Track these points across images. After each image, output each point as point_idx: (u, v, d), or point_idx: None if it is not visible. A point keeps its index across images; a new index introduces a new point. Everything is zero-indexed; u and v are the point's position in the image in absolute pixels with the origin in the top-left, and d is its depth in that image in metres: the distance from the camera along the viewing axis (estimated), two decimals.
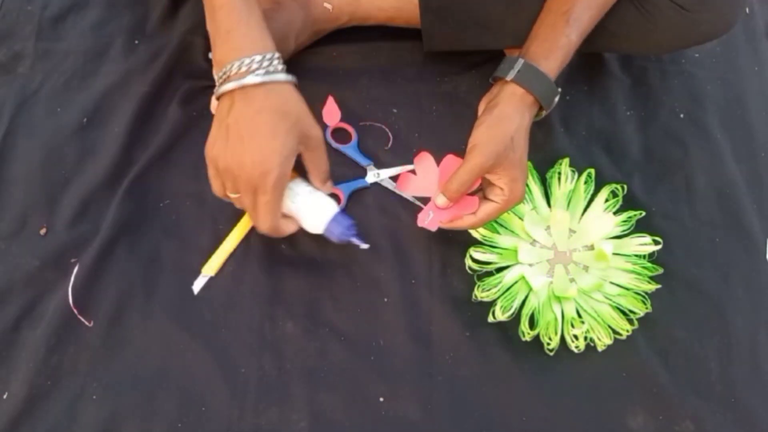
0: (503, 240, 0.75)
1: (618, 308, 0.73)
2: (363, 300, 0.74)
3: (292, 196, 0.69)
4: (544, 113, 0.69)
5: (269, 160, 0.59)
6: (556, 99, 0.69)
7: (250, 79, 0.59)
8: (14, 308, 0.72)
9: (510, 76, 0.65)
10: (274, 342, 0.72)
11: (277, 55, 0.61)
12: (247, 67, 0.59)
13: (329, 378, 0.70)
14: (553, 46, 0.66)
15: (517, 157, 0.64)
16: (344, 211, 0.75)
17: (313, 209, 0.69)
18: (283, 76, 0.61)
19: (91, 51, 0.90)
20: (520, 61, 0.65)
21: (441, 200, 0.67)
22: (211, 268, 0.75)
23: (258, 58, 0.60)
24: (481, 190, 0.69)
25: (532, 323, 0.72)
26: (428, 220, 0.69)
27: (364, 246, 0.70)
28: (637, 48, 0.78)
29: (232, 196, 0.64)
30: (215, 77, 0.63)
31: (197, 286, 0.74)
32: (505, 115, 0.64)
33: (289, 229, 0.68)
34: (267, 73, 0.60)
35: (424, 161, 0.73)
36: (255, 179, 0.60)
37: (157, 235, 0.77)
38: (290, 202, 0.70)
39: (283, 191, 0.62)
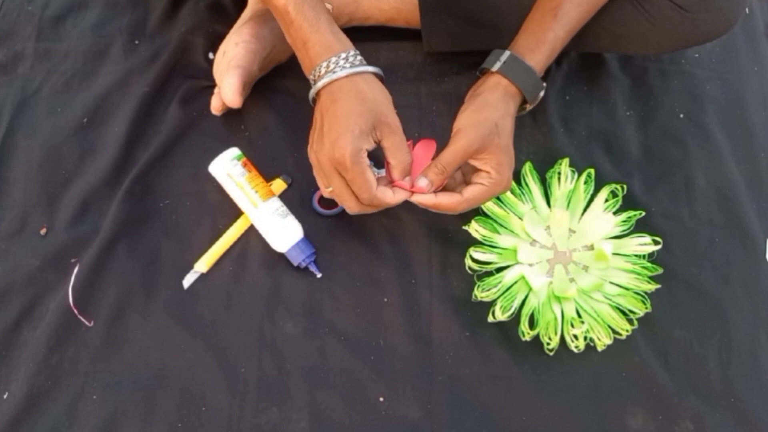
0: (503, 240, 0.75)
1: (618, 308, 0.73)
2: (363, 300, 0.74)
3: (264, 215, 0.75)
4: (528, 107, 0.70)
5: (342, 137, 0.61)
6: (541, 94, 0.69)
7: (329, 77, 0.63)
8: (14, 308, 0.73)
9: (495, 68, 0.66)
10: (274, 342, 0.72)
11: (353, 52, 0.65)
12: (326, 68, 0.63)
13: (329, 378, 0.70)
14: (539, 41, 0.67)
15: (503, 143, 0.64)
16: (307, 239, 0.76)
17: (279, 231, 0.75)
18: (360, 68, 0.64)
19: (91, 51, 0.90)
20: (506, 53, 0.67)
21: (422, 182, 0.65)
22: (203, 264, 0.75)
23: (334, 58, 0.63)
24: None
25: (532, 323, 0.72)
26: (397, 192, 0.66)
27: (319, 275, 0.75)
28: (636, 48, 0.78)
29: (328, 191, 0.66)
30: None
31: (187, 281, 0.74)
32: (489, 102, 0.65)
33: (392, 198, 0.65)
34: (343, 68, 0.63)
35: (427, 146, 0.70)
36: (335, 160, 0.62)
37: (157, 235, 0.77)
38: (259, 219, 0.75)
39: (364, 164, 0.62)
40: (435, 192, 0.66)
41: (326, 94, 0.64)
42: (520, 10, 0.73)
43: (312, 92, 0.66)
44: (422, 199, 0.66)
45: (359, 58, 0.65)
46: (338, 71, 0.63)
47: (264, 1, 0.67)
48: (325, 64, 0.63)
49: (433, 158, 0.67)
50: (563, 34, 0.67)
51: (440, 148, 0.71)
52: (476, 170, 0.66)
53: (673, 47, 0.78)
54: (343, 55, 0.64)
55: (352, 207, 0.65)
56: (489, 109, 0.65)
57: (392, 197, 0.65)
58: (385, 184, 0.65)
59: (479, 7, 0.78)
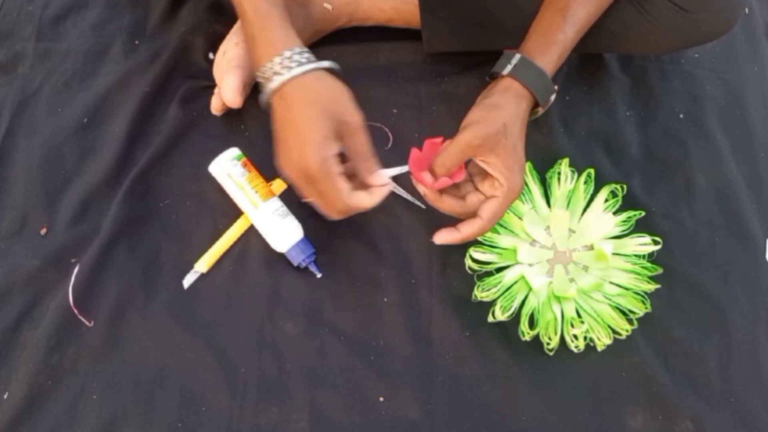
0: (503, 240, 0.75)
1: (618, 308, 0.73)
2: (363, 300, 0.74)
3: (264, 215, 0.75)
4: (540, 111, 0.69)
5: (307, 147, 0.58)
6: (552, 97, 0.69)
7: (276, 81, 0.59)
8: (14, 308, 0.73)
9: (506, 71, 0.65)
10: (274, 342, 0.72)
11: (297, 50, 0.60)
12: (271, 70, 0.59)
13: (329, 378, 0.70)
14: (549, 42, 0.66)
15: (511, 144, 0.62)
16: (307, 239, 0.76)
17: (279, 231, 0.75)
18: (309, 66, 0.59)
19: (91, 51, 0.90)
20: (517, 56, 0.66)
21: (426, 175, 0.63)
22: (203, 264, 0.75)
23: (278, 59, 0.59)
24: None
25: (532, 323, 0.72)
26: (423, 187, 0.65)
27: (319, 275, 0.75)
28: (636, 48, 0.78)
29: (306, 201, 0.63)
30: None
31: (187, 281, 0.74)
32: (499, 103, 0.64)
33: (370, 200, 0.62)
34: (288, 69, 0.59)
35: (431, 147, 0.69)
36: (304, 172, 0.59)
37: (157, 235, 0.77)
38: (259, 219, 0.75)
39: (333, 173, 0.59)
40: (445, 206, 0.65)
41: (278, 101, 0.60)
42: (520, 10, 0.73)
43: (263, 99, 0.61)
44: (447, 238, 0.65)
45: (306, 55, 0.60)
46: (284, 73, 0.58)
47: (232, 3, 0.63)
48: (269, 66, 0.59)
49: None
50: (572, 35, 0.67)
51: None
52: (486, 176, 0.65)
53: (673, 47, 0.78)
54: (287, 54, 0.59)
55: (332, 214, 0.63)
56: (498, 109, 0.63)
57: (369, 199, 0.62)
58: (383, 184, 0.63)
59: (479, 7, 0.78)
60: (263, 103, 0.62)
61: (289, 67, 0.59)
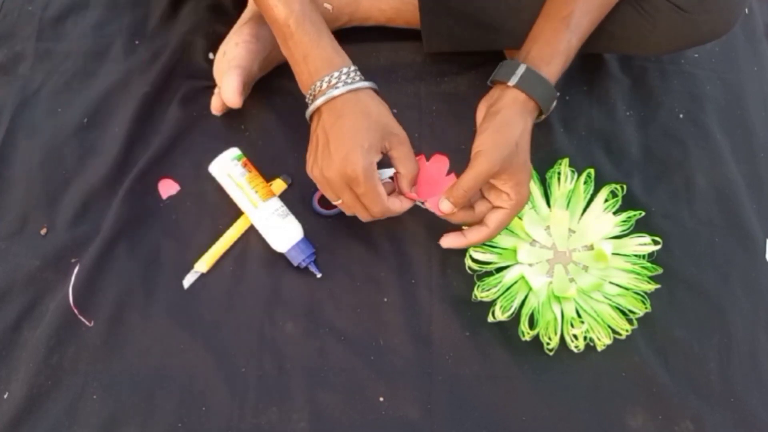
0: (503, 240, 0.75)
1: (617, 308, 0.73)
2: (363, 300, 0.75)
3: (264, 215, 0.75)
4: (543, 117, 0.69)
5: (353, 152, 0.62)
6: (554, 103, 0.69)
7: (331, 93, 0.64)
8: (14, 308, 0.73)
9: (512, 82, 0.65)
10: (274, 342, 0.72)
11: (353, 68, 0.66)
12: (328, 83, 0.64)
13: (329, 378, 0.71)
14: (554, 51, 0.66)
15: (521, 160, 0.64)
16: (307, 239, 0.76)
17: (279, 231, 0.75)
18: (361, 84, 0.65)
19: (91, 51, 0.90)
20: (522, 66, 0.65)
21: (445, 205, 0.66)
22: (203, 264, 0.75)
23: (336, 74, 0.64)
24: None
25: (532, 323, 0.72)
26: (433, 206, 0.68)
27: (319, 275, 0.75)
28: (636, 49, 0.78)
29: (337, 203, 0.68)
30: (307, 101, 0.67)
31: (188, 281, 0.74)
32: (509, 121, 0.64)
33: (401, 206, 0.67)
34: (345, 84, 0.64)
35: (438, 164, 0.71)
36: (346, 176, 0.63)
37: (157, 235, 0.77)
38: (259, 219, 0.75)
39: (376, 179, 0.64)
40: (457, 218, 0.67)
41: (328, 111, 0.64)
42: (519, 11, 0.73)
43: (311, 108, 0.66)
44: (454, 243, 0.69)
45: (358, 73, 0.66)
46: (340, 86, 0.64)
47: (262, 12, 0.67)
48: (327, 79, 0.64)
49: (447, 174, 0.69)
50: (576, 42, 0.67)
51: (441, 151, 0.72)
52: (493, 186, 0.67)
53: (673, 48, 0.78)
54: (345, 70, 0.65)
55: (364, 217, 0.68)
56: (509, 128, 0.64)
57: (400, 206, 0.67)
58: (389, 191, 0.67)
59: (479, 7, 0.77)
60: (308, 114, 0.67)
61: (345, 82, 0.64)
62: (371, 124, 0.63)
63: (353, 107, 0.64)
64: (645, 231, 0.77)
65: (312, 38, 0.65)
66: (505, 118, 0.64)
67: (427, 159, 0.70)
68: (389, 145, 0.65)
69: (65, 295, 0.72)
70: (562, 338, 0.72)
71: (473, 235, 0.68)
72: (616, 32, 0.74)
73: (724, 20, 0.73)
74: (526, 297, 0.73)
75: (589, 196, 0.79)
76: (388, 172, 0.81)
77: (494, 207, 0.67)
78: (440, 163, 0.70)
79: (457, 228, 0.70)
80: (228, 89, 0.77)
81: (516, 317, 0.72)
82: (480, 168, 0.63)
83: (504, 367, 0.72)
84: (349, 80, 0.64)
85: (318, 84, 0.64)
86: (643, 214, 0.78)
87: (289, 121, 0.85)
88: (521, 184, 0.65)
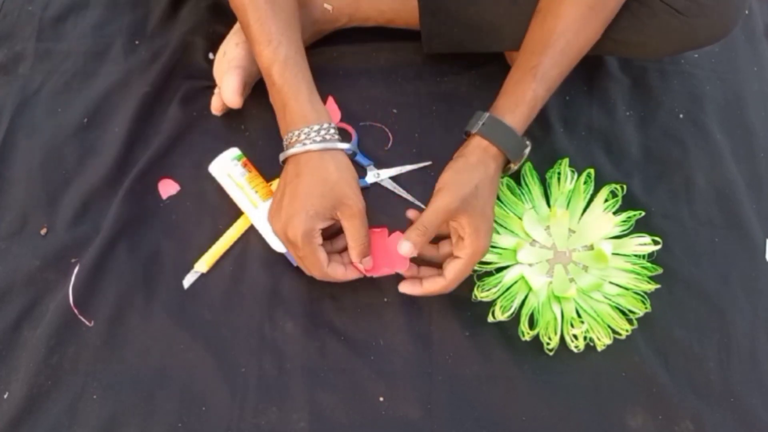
0: (503, 240, 0.75)
1: (617, 308, 0.73)
2: (363, 300, 0.74)
3: (264, 215, 0.73)
4: (513, 167, 0.70)
5: (296, 216, 0.63)
6: (526, 152, 0.70)
7: (297, 148, 0.65)
8: (14, 308, 0.73)
9: (475, 129, 0.66)
10: (274, 342, 0.72)
11: (326, 125, 0.66)
12: (296, 138, 0.65)
13: (329, 378, 0.71)
14: (519, 101, 0.67)
15: (480, 205, 0.64)
16: None
17: None
18: (330, 145, 0.65)
19: (91, 51, 0.90)
20: (485, 115, 0.67)
21: (405, 246, 0.64)
22: (203, 264, 0.75)
23: (306, 130, 0.65)
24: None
25: (532, 323, 0.72)
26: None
27: None
28: (635, 53, 0.79)
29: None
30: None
31: (188, 281, 0.74)
32: (470, 163, 0.65)
33: (344, 274, 0.67)
34: (314, 142, 0.65)
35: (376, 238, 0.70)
36: (287, 237, 0.65)
37: (157, 235, 0.77)
38: (259, 219, 0.75)
39: (315, 245, 0.64)
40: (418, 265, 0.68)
41: (293, 164, 0.66)
42: (518, 13, 0.73)
43: (281, 156, 0.68)
44: (410, 290, 0.67)
45: (332, 131, 0.66)
46: (308, 144, 0.64)
47: (252, 51, 0.68)
48: (297, 133, 0.65)
49: (389, 235, 0.69)
50: (543, 92, 0.67)
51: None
52: (454, 231, 0.66)
53: (672, 52, 0.78)
54: (316, 128, 0.65)
55: (313, 275, 0.68)
56: (469, 170, 0.65)
57: (343, 274, 0.67)
58: (341, 248, 0.68)
59: (478, 9, 0.78)
60: (280, 159, 0.68)
61: (314, 140, 0.65)
62: (326, 190, 0.64)
63: (313, 169, 0.64)
64: (645, 231, 0.77)
65: (291, 89, 0.66)
66: (467, 161, 0.65)
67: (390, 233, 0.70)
68: (340, 215, 0.65)
69: (65, 295, 0.72)
70: (562, 338, 0.72)
71: (429, 285, 0.66)
72: (614, 37, 0.73)
73: (723, 24, 0.73)
74: (526, 297, 0.73)
75: (589, 196, 0.79)
76: (391, 171, 0.81)
77: (452, 257, 0.66)
78: (379, 234, 0.70)
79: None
80: (228, 89, 0.77)
81: (516, 317, 0.72)
82: (440, 203, 0.63)
83: (504, 367, 0.72)
84: (318, 138, 0.65)
85: (290, 135, 0.66)
86: (643, 214, 0.78)
87: None
88: (477, 231, 0.64)
